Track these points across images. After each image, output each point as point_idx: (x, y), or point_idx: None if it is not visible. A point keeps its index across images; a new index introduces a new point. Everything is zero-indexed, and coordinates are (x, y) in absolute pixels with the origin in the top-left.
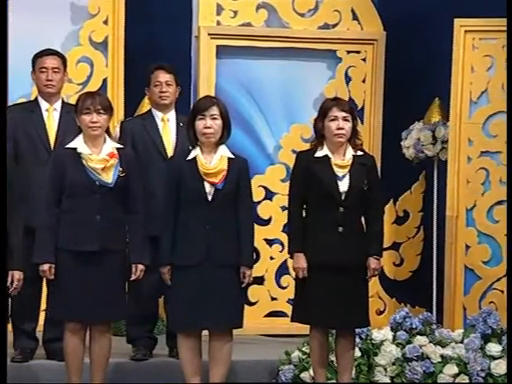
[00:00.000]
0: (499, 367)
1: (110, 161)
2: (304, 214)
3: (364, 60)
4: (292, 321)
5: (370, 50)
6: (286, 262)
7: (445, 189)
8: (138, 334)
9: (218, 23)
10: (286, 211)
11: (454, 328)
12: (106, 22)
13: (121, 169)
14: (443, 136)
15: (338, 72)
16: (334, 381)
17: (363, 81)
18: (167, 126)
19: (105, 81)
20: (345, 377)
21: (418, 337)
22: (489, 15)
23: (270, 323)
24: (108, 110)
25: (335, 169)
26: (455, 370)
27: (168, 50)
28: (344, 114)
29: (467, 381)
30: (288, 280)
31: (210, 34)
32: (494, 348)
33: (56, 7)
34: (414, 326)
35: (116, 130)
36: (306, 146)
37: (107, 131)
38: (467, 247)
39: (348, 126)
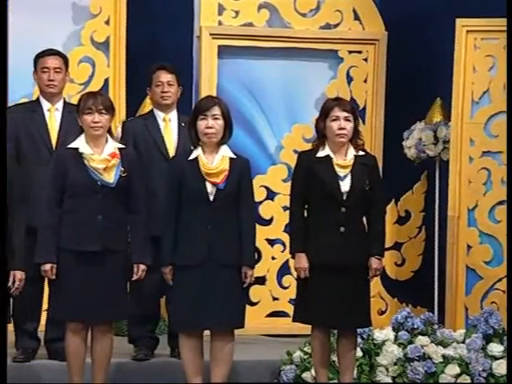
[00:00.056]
0: (501, 367)
1: (112, 161)
2: (306, 214)
3: (366, 60)
4: (294, 321)
5: (372, 50)
6: (287, 262)
7: (446, 189)
8: (139, 334)
9: (220, 23)
10: (288, 211)
11: (455, 328)
12: (107, 22)
13: (122, 169)
14: (445, 136)
15: (339, 72)
16: (335, 381)
17: (365, 81)
18: (169, 126)
19: (106, 81)
20: (346, 377)
21: (420, 337)
22: (491, 15)
23: (272, 323)
24: (110, 110)
25: (337, 169)
26: (457, 370)
27: (170, 50)
28: (346, 114)
29: (469, 381)
30: (289, 280)
31: (211, 34)
32: (495, 348)
33: (58, 7)
34: (415, 326)
35: (118, 130)
36: (308, 146)
37: (109, 131)
38: (469, 247)
39: (350, 126)
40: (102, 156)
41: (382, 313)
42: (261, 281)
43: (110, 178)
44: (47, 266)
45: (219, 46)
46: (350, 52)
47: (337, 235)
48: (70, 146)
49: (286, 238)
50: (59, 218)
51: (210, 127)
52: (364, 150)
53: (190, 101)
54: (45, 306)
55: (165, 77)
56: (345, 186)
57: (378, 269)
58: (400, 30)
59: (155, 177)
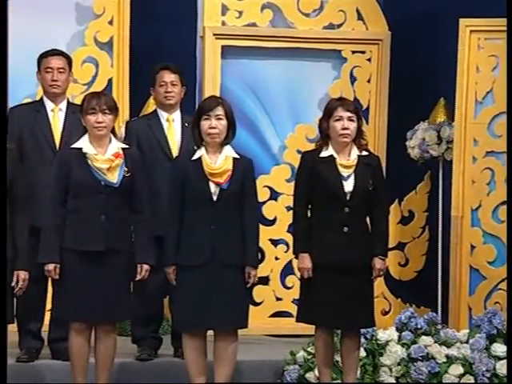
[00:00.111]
0: (504, 367)
1: (116, 161)
2: (309, 214)
3: (369, 60)
4: (297, 321)
5: (375, 50)
6: (291, 262)
7: (450, 189)
8: (143, 334)
9: (223, 23)
10: (291, 211)
11: (459, 328)
12: (111, 23)
13: (126, 169)
14: (448, 136)
15: (343, 72)
16: (339, 381)
17: (368, 81)
18: (172, 126)
19: (110, 81)
20: (350, 377)
21: (423, 337)
22: (494, 15)
23: (275, 323)
24: (113, 110)
25: (340, 169)
26: (460, 370)
27: (173, 50)
28: (349, 114)
29: (472, 381)
30: (293, 280)
31: (215, 35)
32: (499, 348)
33: (61, 7)
34: (419, 326)
35: (121, 130)
36: (311, 146)
37: (112, 131)
38: (472, 247)
39: (353, 126)
40: (105, 156)
41: (385, 313)
42: (264, 281)
43: (114, 178)
44: (51, 266)
45: (223, 46)
46: (354, 52)
47: (340, 235)
48: (73, 146)
49: (289, 238)
50: (63, 217)
51: (214, 127)
52: (367, 150)
53: (193, 101)
54: (48, 305)
55: (168, 77)
56: (348, 186)
57: (381, 269)
58: (403, 30)
59: (159, 177)
